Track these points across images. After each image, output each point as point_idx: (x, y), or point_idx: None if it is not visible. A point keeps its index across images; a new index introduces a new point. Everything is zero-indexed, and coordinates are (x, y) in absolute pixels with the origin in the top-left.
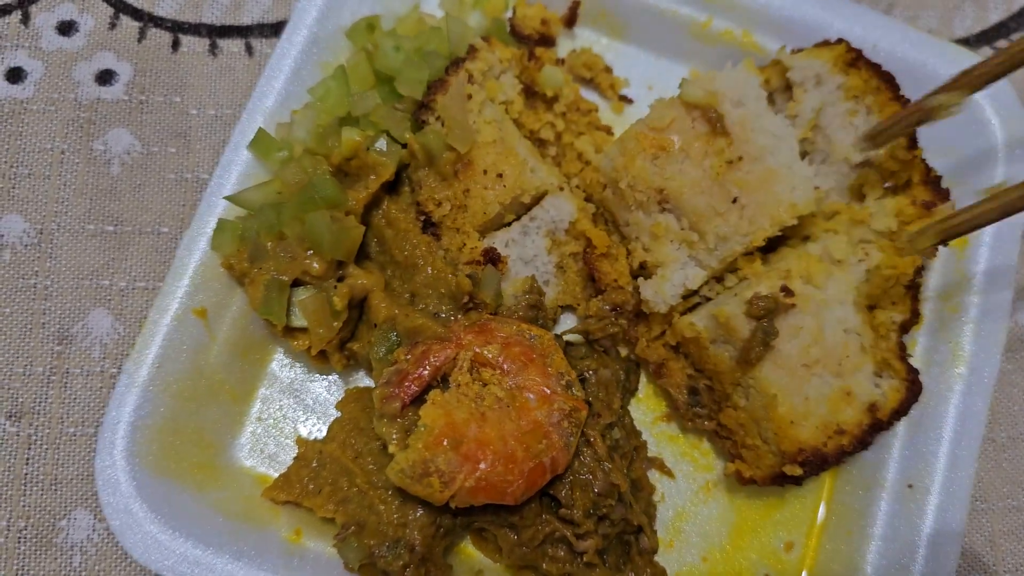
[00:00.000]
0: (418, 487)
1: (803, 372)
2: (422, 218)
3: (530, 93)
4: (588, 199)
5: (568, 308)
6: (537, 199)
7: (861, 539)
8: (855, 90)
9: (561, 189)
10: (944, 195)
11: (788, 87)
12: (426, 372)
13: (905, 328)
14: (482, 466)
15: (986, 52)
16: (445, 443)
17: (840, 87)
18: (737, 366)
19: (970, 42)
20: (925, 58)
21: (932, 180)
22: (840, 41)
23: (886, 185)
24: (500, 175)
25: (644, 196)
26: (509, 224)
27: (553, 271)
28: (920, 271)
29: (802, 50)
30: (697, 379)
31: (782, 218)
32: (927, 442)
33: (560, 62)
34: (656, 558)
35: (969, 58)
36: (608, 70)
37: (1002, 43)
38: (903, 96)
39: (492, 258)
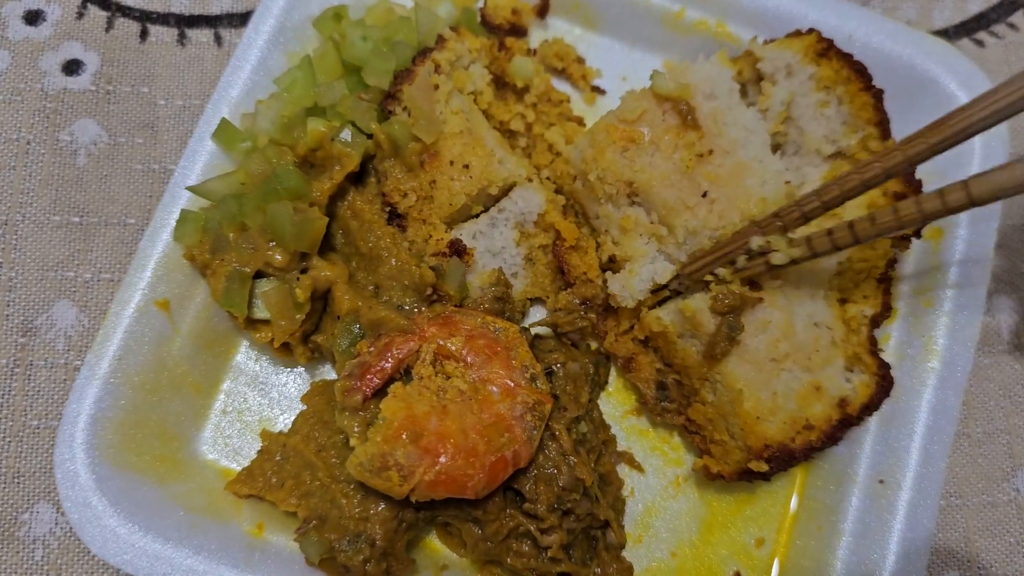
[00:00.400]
0: (377, 481)
1: (771, 367)
2: (388, 209)
3: (500, 84)
4: (558, 191)
5: (538, 300)
6: (505, 191)
7: (832, 534)
8: (826, 80)
9: (530, 180)
10: (917, 186)
11: (760, 78)
12: (388, 364)
13: (876, 322)
14: (442, 460)
15: (965, 44)
16: (404, 436)
17: (811, 77)
18: (704, 361)
19: (949, 33)
20: (901, 49)
21: (903, 174)
22: (811, 31)
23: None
24: (467, 166)
25: (614, 189)
26: (477, 216)
27: (522, 263)
28: (892, 264)
29: (774, 41)
30: (666, 373)
31: (751, 212)
32: (899, 437)
33: (532, 52)
34: (624, 553)
35: (945, 49)
36: (580, 60)
37: (983, 34)
38: (874, 86)
39: (458, 249)
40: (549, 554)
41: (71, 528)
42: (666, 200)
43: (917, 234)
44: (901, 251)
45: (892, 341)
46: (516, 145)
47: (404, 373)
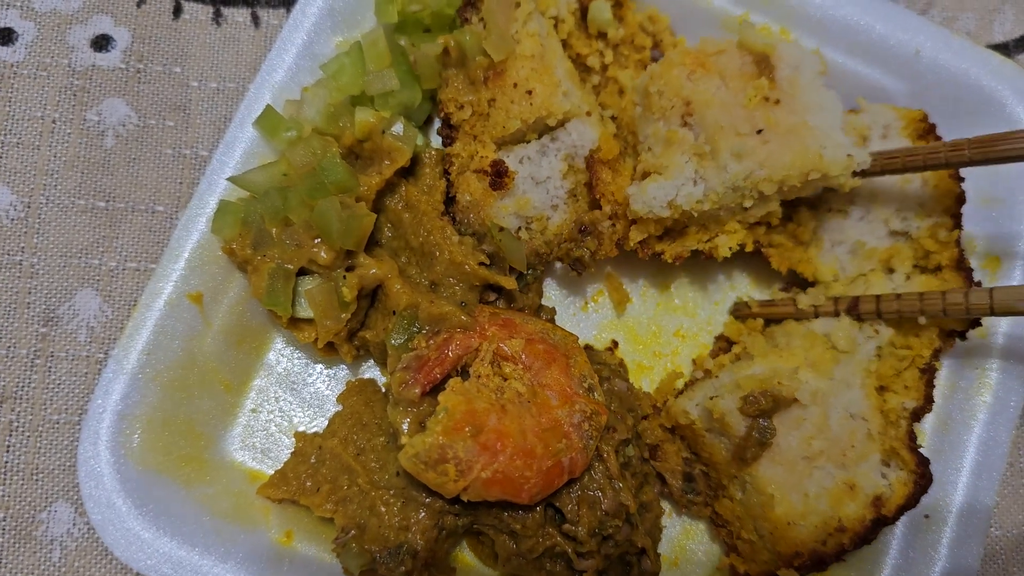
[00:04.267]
0: (431, 474)
1: (804, 466)
2: (441, 115)
3: (586, 16)
4: (617, 130)
5: None
6: (562, 123)
7: (875, 568)
8: None
9: (589, 115)
10: (972, 285)
11: None
12: (448, 359)
13: (917, 416)
14: (500, 458)
15: None
16: (466, 430)
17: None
18: (732, 461)
19: (1009, 47)
20: (968, 67)
21: (964, 268)
22: (919, 111)
23: (915, 265)
24: (530, 92)
25: (670, 104)
26: (528, 142)
27: (564, 196)
28: (937, 354)
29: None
30: (693, 464)
31: (805, 165)
32: (947, 471)
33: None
34: None
35: (1013, 71)
36: (671, 32)
37: None
38: (962, 178)
39: (499, 170)
40: None
41: (90, 529)
42: (719, 122)
43: (962, 335)
44: (946, 348)
45: (944, 372)
46: (587, 80)
47: (461, 371)
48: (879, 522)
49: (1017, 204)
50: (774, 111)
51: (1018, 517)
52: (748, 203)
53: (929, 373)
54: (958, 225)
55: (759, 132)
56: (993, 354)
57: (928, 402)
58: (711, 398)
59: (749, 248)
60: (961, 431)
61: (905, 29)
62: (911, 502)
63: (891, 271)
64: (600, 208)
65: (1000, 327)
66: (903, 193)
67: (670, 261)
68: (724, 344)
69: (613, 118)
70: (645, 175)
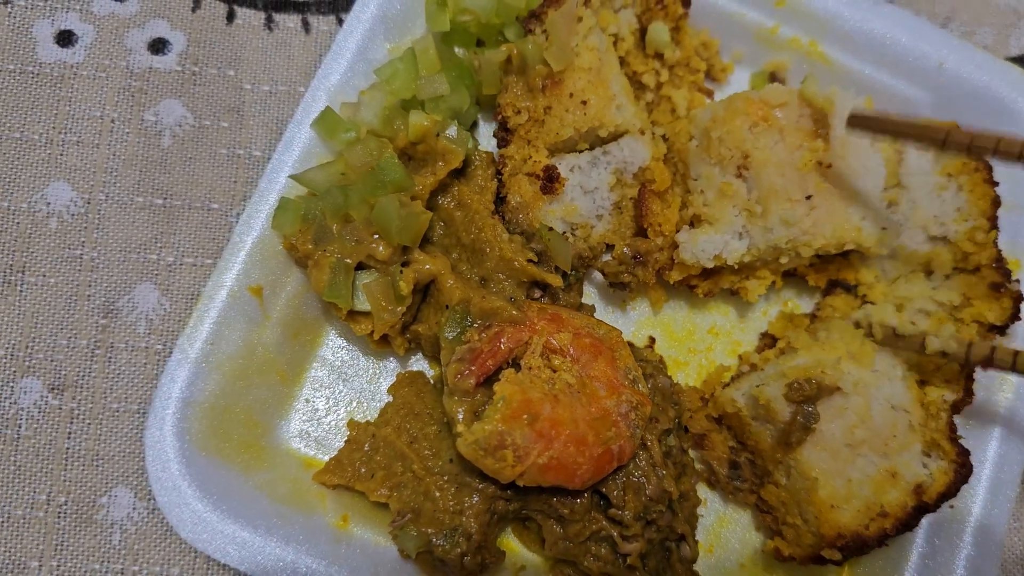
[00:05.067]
0: (489, 460)
1: (847, 453)
2: (498, 118)
3: (645, 36)
4: (669, 151)
5: (611, 248)
6: (615, 136)
7: (900, 556)
8: (951, 168)
9: (642, 133)
10: (1011, 282)
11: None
12: (500, 351)
13: (957, 408)
14: (555, 445)
15: None
16: (523, 417)
17: (938, 160)
18: (777, 446)
19: None
20: (989, 80)
21: (1002, 268)
22: (950, 122)
23: (955, 267)
24: (584, 102)
25: (728, 154)
26: (580, 152)
27: (609, 208)
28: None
29: None
30: (739, 452)
31: (844, 237)
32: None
33: (683, 17)
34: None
35: None
36: (719, 56)
37: None
38: (996, 181)
39: (551, 176)
40: (628, 561)
41: (149, 513)
42: (773, 184)
43: (1002, 330)
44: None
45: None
46: (641, 97)
47: (512, 364)
48: (921, 509)
49: None
50: (824, 177)
51: None
52: (784, 260)
53: (969, 367)
54: (995, 226)
55: (808, 198)
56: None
57: (968, 395)
58: (757, 386)
59: (779, 287)
60: (984, 422)
61: (930, 42)
62: (952, 490)
63: (930, 273)
64: (643, 231)
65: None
66: (940, 200)
67: (701, 296)
68: (769, 340)
69: (664, 138)
70: (695, 218)
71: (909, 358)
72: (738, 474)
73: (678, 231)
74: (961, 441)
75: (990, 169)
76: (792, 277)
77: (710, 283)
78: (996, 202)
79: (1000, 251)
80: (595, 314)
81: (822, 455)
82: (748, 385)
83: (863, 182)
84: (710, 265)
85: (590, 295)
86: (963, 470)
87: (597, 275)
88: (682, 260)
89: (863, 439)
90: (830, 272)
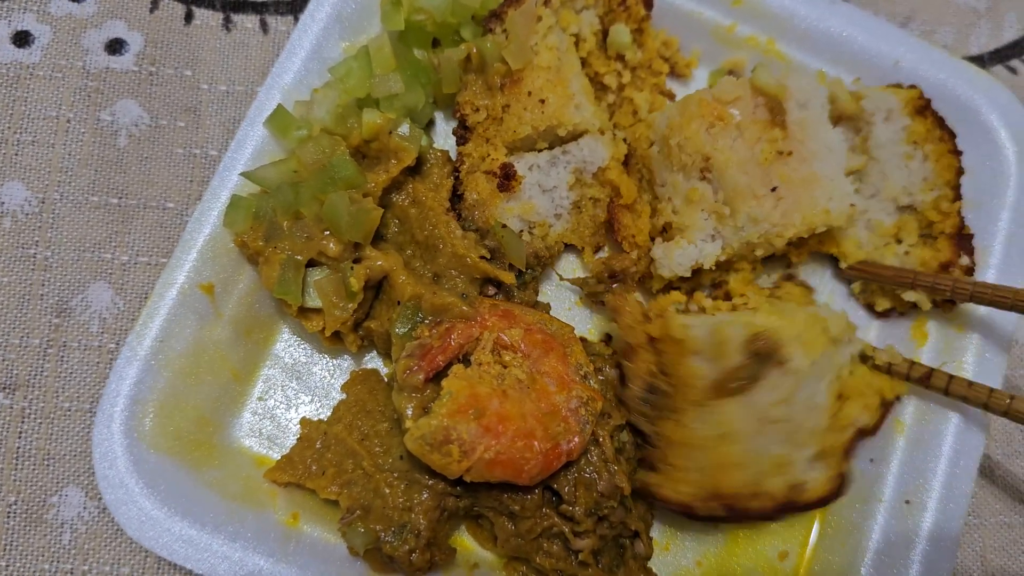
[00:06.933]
0: (435, 455)
1: (761, 424)
2: (457, 116)
3: (607, 38)
4: (629, 154)
5: (572, 248)
6: (574, 136)
7: (856, 552)
8: (916, 135)
9: (602, 133)
10: (968, 251)
11: (840, 117)
12: (452, 346)
13: (862, 434)
14: (502, 440)
15: (999, 70)
16: (469, 412)
17: (904, 128)
18: (709, 389)
19: (984, 60)
20: (945, 78)
21: (962, 236)
22: (913, 87)
23: (922, 234)
24: (543, 101)
25: (690, 159)
26: (540, 151)
27: (568, 207)
28: (899, 398)
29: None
30: (659, 379)
31: (813, 222)
32: (926, 459)
33: (645, 20)
34: (651, 561)
35: (987, 82)
36: (680, 53)
37: (1016, 62)
38: (959, 151)
39: (507, 173)
40: (579, 557)
41: (100, 512)
42: (737, 183)
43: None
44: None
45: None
46: (603, 99)
47: (463, 359)
48: (787, 506)
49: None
50: (786, 165)
51: (995, 506)
52: (759, 252)
53: (887, 408)
54: (959, 196)
55: (773, 190)
56: (969, 347)
57: (875, 429)
58: (719, 324)
59: (759, 272)
60: (940, 420)
61: (886, 40)
62: (820, 503)
63: (899, 241)
64: (611, 232)
65: (977, 319)
66: (908, 170)
67: (685, 298)
68: (722, 294)
69: (624, 140)
70: (666, 226)
71: (840, 371)
72: (650, 398)
73: (652, 239)
74: (852, 464)
75: (953, 137)
76: (772, 259)
77: (692, 282)
78: (959, 172)
79: (963, 222)
80: (551, 311)
81: (744, 414)
82: (707, 319)
83: (825, 163)
84: (688, 274)
85: (546, 293)
86: (837, 491)
87: (552, 275)
88: (660, 274)
89: (778, 418)
90: (811, 246)
